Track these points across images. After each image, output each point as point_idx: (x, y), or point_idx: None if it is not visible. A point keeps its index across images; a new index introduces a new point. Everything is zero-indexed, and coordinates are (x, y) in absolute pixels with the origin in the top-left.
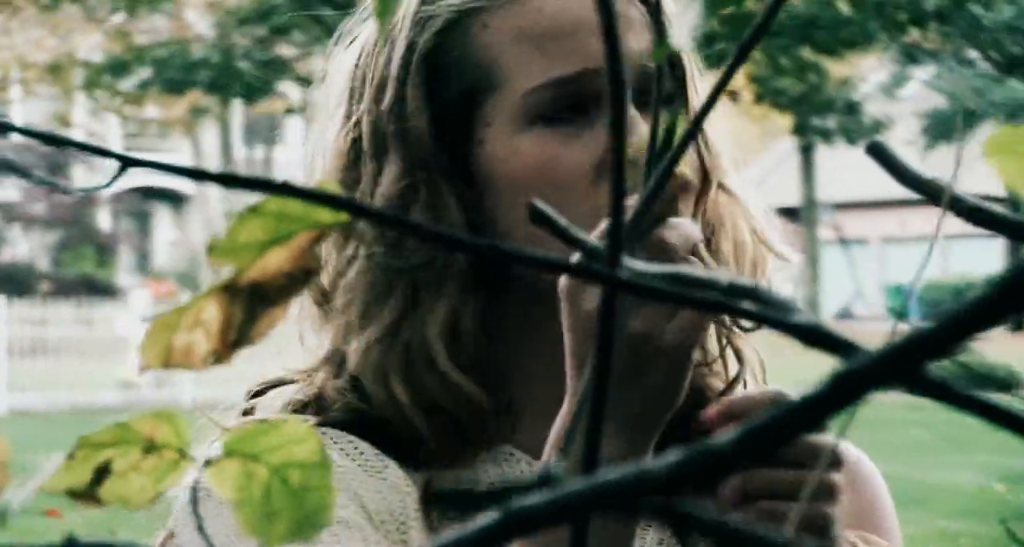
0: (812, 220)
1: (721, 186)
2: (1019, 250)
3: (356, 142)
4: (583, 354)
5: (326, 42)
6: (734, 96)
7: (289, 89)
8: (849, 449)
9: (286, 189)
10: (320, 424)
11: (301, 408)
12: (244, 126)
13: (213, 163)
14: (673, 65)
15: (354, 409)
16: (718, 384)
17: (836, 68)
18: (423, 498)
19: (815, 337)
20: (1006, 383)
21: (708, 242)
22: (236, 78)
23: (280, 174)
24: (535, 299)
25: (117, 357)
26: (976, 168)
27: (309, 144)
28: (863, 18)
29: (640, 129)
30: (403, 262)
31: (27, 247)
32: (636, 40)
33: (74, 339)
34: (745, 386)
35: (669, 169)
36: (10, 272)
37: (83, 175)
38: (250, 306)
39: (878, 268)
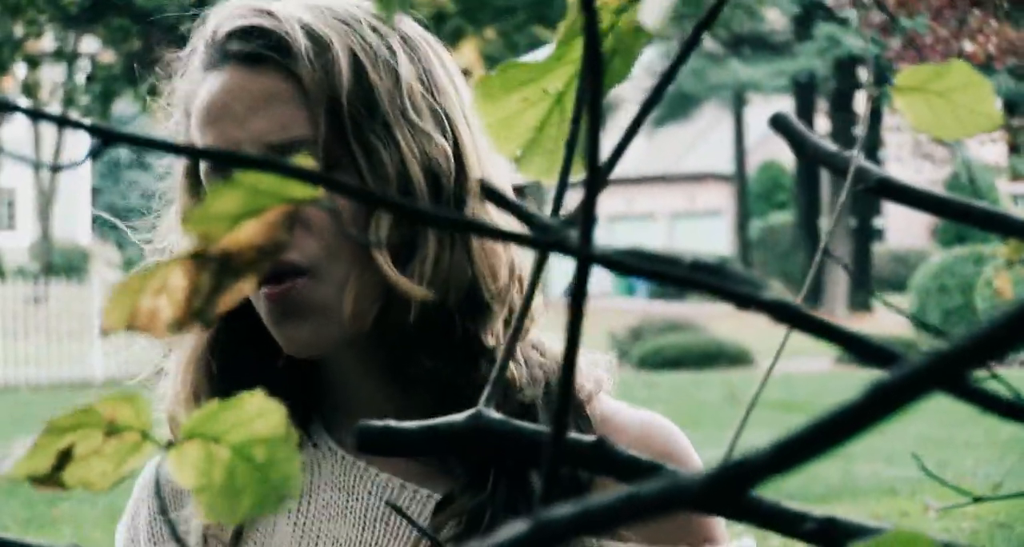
0: (538, 199)
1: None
2: (746, 231)
3: None
4: None
5: (58, 21)
6: (466, 74)
7: (18, 68)
8: (640, 413)
9: (260, 163)
10: None
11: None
12: None
13: None
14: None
15: None
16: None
17: None
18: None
19: (783, 314)
20: (736, 358)
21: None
22: None
23: (8, 151)
24: None
25: None
26: (698, 146)
27: None
28: None
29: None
30: None
31: None
32: (263, 119)
33: None
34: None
35: (612, 161)
36: None
37: None
38: (217, 276)
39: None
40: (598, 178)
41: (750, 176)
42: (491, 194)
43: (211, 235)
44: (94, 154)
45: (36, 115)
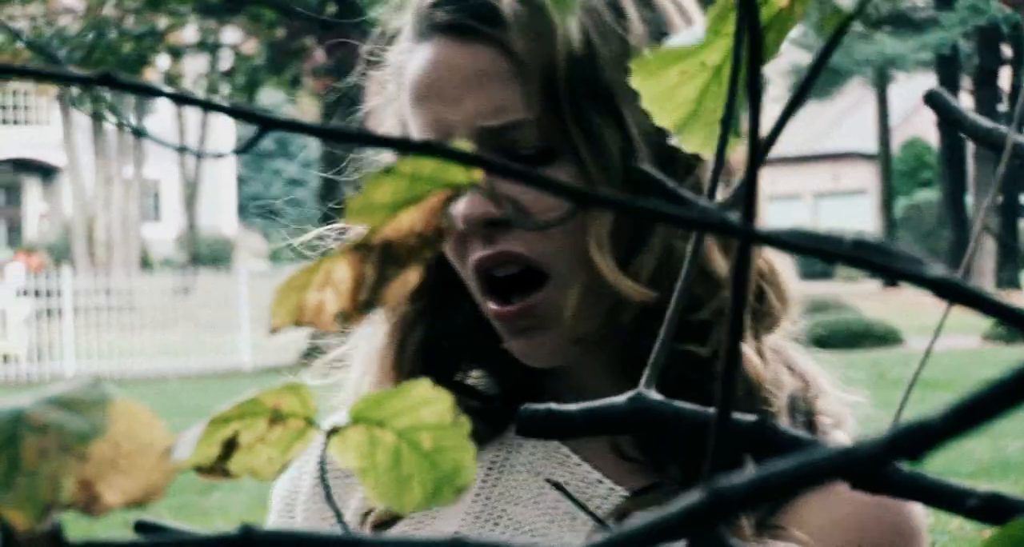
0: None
1: None
2: (891, 210)
3: None
4: None
5: (200, 12)
6: None
7: (161, 60)
8: (890, 503)
9: (422, 147)
10: None
11: None
12: (114, 95)
13: (84, 133)
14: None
15: None
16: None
17: None
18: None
19: (949, 290)
20: (884, 338)
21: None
22: (110, 51)
23: (153, 144)
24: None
25: None
26: (841, 125)
27: None
28: None
29: (472, 195)
30: None
31: None
32: (476, 100)
33: None
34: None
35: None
36: None
37: None
38: (382, 267)
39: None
40: (759, 157)
41: (894, 154)
42: (647, 178)
43: (372, 225)
44: (254, 141)
45: (206, 106)
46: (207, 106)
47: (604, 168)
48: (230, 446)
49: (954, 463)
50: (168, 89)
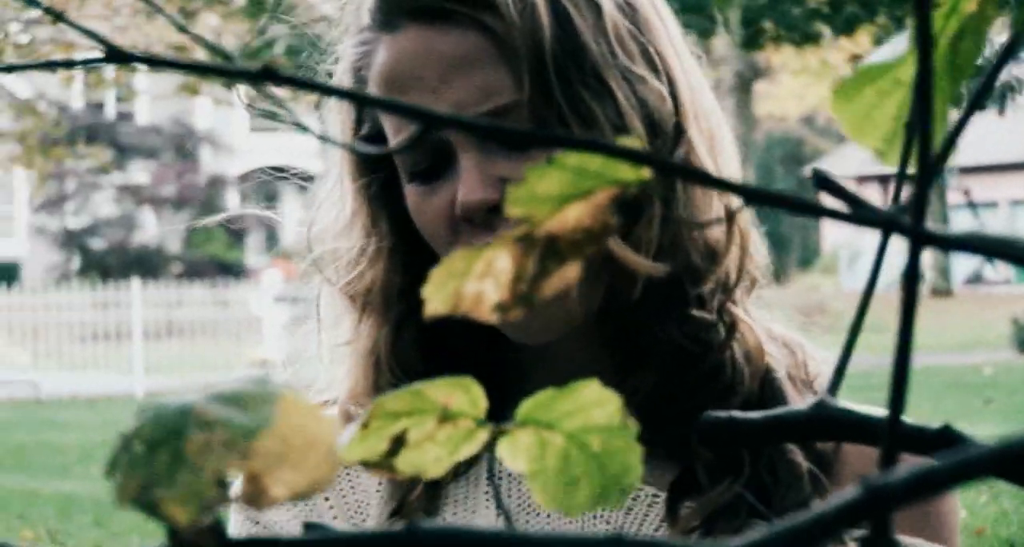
0: (940, 185)
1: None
2: None
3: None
4: None
5: None
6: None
7: None
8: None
9: (589, 144)
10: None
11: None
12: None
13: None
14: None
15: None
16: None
17: None
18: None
19: None
20: None
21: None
22: None
23: None
24: None
25: (250, 337)
26: None
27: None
28: None
29: (469, 181)
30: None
31: (157, 230)
32: (461, 87)
33: (207, 320)
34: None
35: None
36: (141, 255)
37: (210, 157)
38: (543, 260)
39: (1008, 231)
40: (931, 160)
41: None
42: (823, 181)
43: (534, 217)
44: (416, 140)
45: (365, 101)
46: (367, 101)
47: None
48: (398, 442)
49: None
50: (326, 83)
